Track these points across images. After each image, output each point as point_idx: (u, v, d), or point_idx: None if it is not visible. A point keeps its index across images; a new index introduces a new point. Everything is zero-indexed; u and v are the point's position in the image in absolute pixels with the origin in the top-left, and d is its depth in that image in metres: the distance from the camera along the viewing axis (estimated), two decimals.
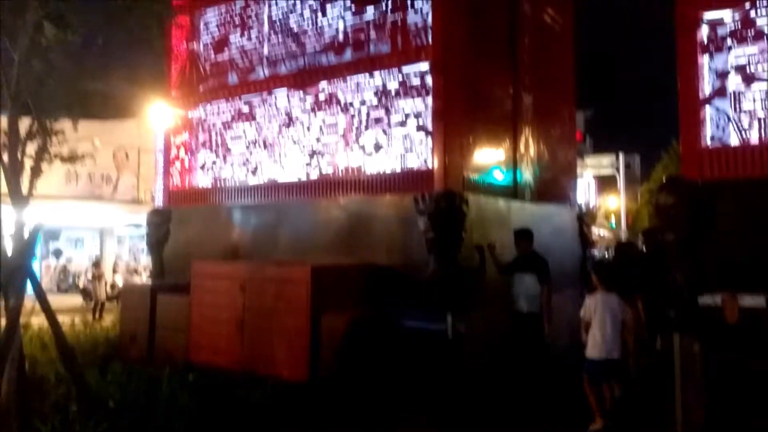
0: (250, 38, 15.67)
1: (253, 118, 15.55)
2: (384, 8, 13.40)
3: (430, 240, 11.94)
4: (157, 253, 15.94)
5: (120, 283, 27.57)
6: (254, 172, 15.53)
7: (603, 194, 54.07)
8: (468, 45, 13.24)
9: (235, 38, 15.99)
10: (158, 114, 18.21)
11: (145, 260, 36.15)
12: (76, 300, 27.89)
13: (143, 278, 32.88)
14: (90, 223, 37.59)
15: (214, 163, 16.35)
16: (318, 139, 14.43)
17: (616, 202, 51.51)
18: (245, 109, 15.67)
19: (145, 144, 33.70)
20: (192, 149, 16.85)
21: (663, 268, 9.46)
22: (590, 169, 46.71)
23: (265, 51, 15.37)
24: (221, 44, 16.24)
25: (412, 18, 13.05)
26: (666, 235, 10.06)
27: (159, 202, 23.04)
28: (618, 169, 42.35)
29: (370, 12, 13.59)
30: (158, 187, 24.38)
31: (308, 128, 14.56)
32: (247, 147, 15.68)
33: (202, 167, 16.61)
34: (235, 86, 15.88)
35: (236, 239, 15.00)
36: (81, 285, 31.54)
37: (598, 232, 53.06)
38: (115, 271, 32.16)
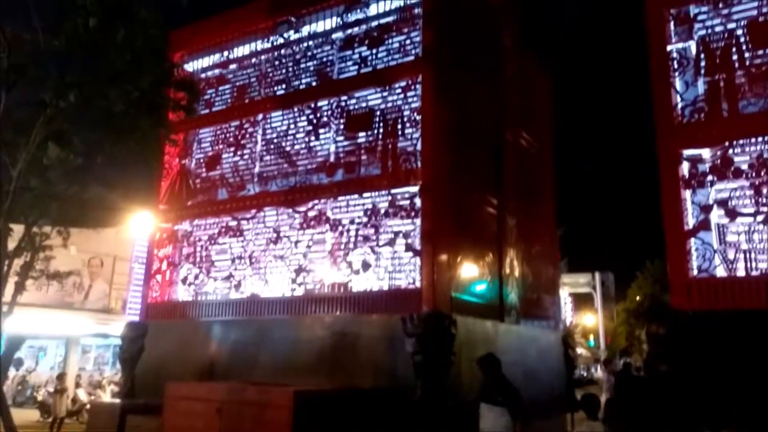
0: (242, 156, 16.08)
1: (240, 234, 15.59)
2: (375, 134, 13.96)
3: (419, 363, 11.66)
4: (129, 368, 15.23)
5: (83, 397, 26.04)
6: (237, 287, 15.33)
7: (579, 312, 54.16)
8: (455, 169, 13.70)
9: (227, 156, 16.39)
10: (142, 225, 18.13)
11: (110, 373, 34.48)
12: (33, 415, 26.14)
13: (107, 393, 31.16)
14: (56, 332, 36.11)
15: (196, 277, 16.13)
16: (305, 256, 14.43)
17: (592, 320, 51.49)
18: (233, 224, 15.74)
19: (122, 252, 33.26)
20: (175, 263, 16.66)
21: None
22: (567, 287, 47.12)
23: (257, 169, 15.73)
24: (213, 161, 16.60)
25: (402, 143, 13.58)
26: (660, 366, 10.05)
27: (132, 312, 22.43)
28: (594, 288, 42.80)
29: (362, 137, 14.13)
30: (132, 297, 23.86)
31: (296, 244, 14.61)
32: (232, 262, 15.59)
33: (184, 281, 16.36)
34: (224, 202, 16.05)
35: (214, 357, 14.46)
36: (39, 398, 29.70)
37: (578, 350, 52.60)
38: (78, 384, 30.49)
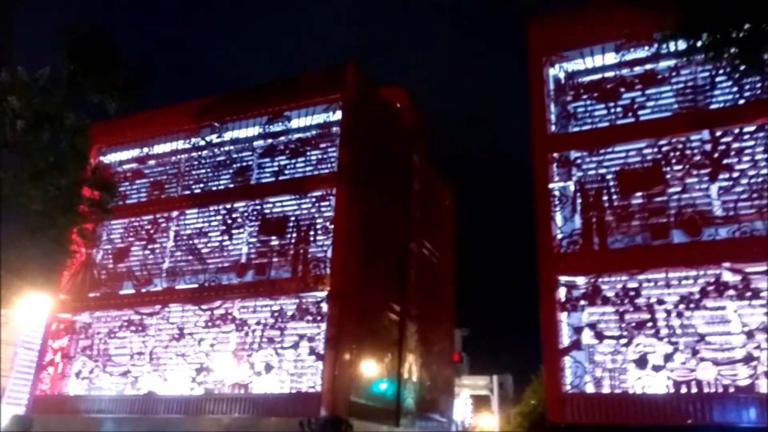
0: (152, 251, 16.19)
1: (143, 329, 15.43)
2: (288, 239, 14.66)
3: None
4: None
5: None
6: (134, 383, 14.98)
7: (479, 413, 54.79)
8: (362, 277, 14.53)
9: (137, 249, 16.42)
10: (33, 310, 17.41)
11: None
12: None
13: None
14: None
15: (91, 371, 15.60)
16: (207, 354, 14.46)
17: (491, 422, 52.11)
18: (135, 318, 15.57)
19: (7, 336, 31.00)
20: (69, 355, 16.07)
21: None
22: (467, 389, 47.90)
23: (166, 264, 15.87)
24: (121, 254, 16.56)
25: (313, 250, 14.33)
26: None
27: (12, 401, 20.88)
28: (492, 391, 43.82)
29: (275, 240, 14.77)
30: (14, 385, 22.25)
31: (199, 343, 14.64)
32: (131, 357, 15.29)
33: (78, 374, 15.75)
34: (128, 296, 15.91)
35: None
36: None
37: None
38: None
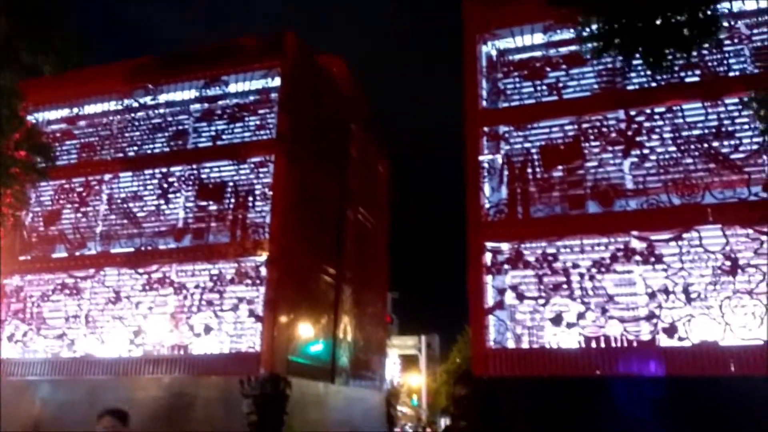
0: (85, 214, 15.97)
1: (77, 292, 15.33)
2: (226, 204, 14.87)
3: (253, 422, 12.40)
4: None
5: None
6: (70, 345, 14.96)
7: (407, 372, 56.86)
8: (299, 242, 15.00)
9: (68, 213, 16.15)
10: None
11: None
12: None
13: None
14: None
15: (25, 334, 15.42)
16: (145, 317, 14.61)
17: (418, 381, 54.23)
18: (69, 282, 15.44)
19: None
20: (0, 318, 15.77)
21: None
22: (396, 349, 49.62)
23: (100, 228, 15.73)
24: (52, 216, 16.24)
25: (251, 215, 14.62)
26: (459, 423, 11.88)
27: None
28: (420, 350, 45.72)
29: (213, 206, 14.95)
30: None
31: (137, 306, 14.75)
32: (66, 320, 15.21)
33: (10, 338, 15.53)
34: (61, 259, 15.71)
35: (40, 417, 13.90)
36: None
37: (402, 409, 54.86)
38: None
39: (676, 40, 5.58)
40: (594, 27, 5.93)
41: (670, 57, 5.95)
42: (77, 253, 15.67)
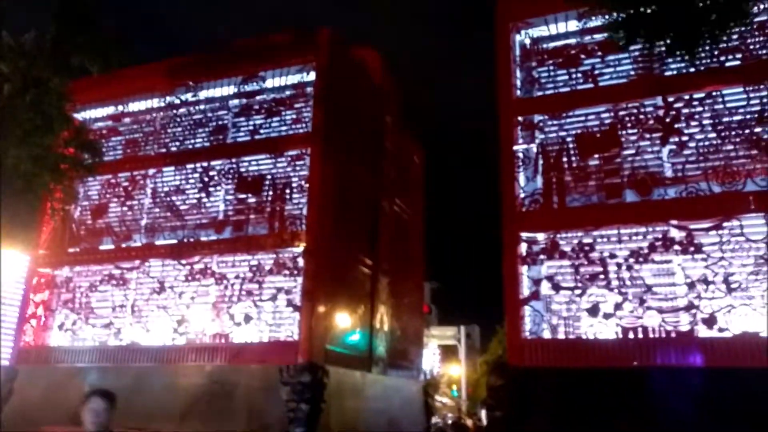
0: (130, 208, 16.58)
1: (124, 283, 15.96)
2: (264, 196, 15.22)
3: (292, 409, 12.74)
4: None
5: None
6: (117, 334, 15.60)
7: (447, 363, 56.92)
8: (336, 233, 15.23)
9: (114, 206, 16.79)
10: (10, 265, 17.78)
11: None
12: None
13: None
14: None
15: (74, 323, 16.15)
16: (188, 307, 15.10)
17: (458, 371, 54.22)
18: (116, 273, 16.08)
19: None
20: (51, 308, 16.56)
21: None
22: (435, 339, 49.70)
23: (145, 221, 16.31)
24: (100, 210, 16.91)
25: (289, 207, 14.93)
26: (494, 413, 11.97)
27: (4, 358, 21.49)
28: (459, 340, 45.71)
29: (251, 198, 15.32)
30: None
31: (180, 296, 15.26)
32: (113, 310, 15.86)
33: (60, 327, 16.29)
34: (108, 251, 16.35)
35: None
36: None
37: (441, 399, 55.01)
38: None
39: (704, 26, 5.50)
40: (619, 15, 5.89)
41: (701, 44, 5.86)
42: (123, 245, 16.29)
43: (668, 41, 5.77)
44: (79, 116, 17.63)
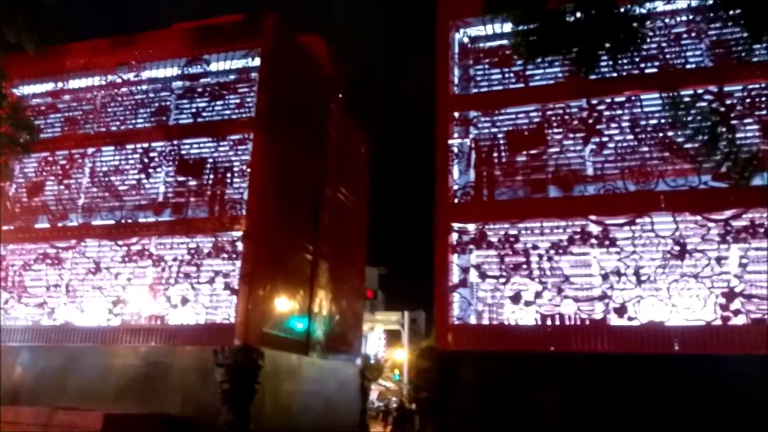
0: (67, 187, 16.40)
1: (59, 262, 15.83)
2: (205, 180, 15.34)
3: (226, 391, 13.00)
4: None
5: None
6: (50, 314, 15.50)
7: (391, 348, 57.85)
8: (277, 218, 15.50)
9: (51, 185, 16.57)
10: None
11: None
12: None
13: None
14: None
15: (6, 302, 15.94)
16: (124, 288, 15.14)
17: (402, 356, 55.12)
18: (51, 252, 15.93)
19: None
20: None
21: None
22: (380, 324, 50.47)
23: (82, 201, 16.18)
24: (35, 188, 16.65)
25: (229, 192, 15.10)
26: (421, 394, 12.58)
27: None
28: (402, 326, 46.51)
29: (192, 181, 15.41)
30: None
31: (116, 276, 15.27)
32: (47, 289, 15.73)
33: None
34: (43, 230, 16.16)
35: (20, 382, 14.50)
36: None
37: (384, 384, 55.95)
38: None
39: (599, 49, 6.06)
40: (523, 31, 6.39)
41: (598, 63, 6.43)
42: (59, 225, 16.13)
43: (573, 57, 6.31)
44: (17, 92, 17.29)
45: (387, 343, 59.91)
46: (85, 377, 14.09)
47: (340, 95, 20.05)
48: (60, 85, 17.47)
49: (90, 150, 16.55)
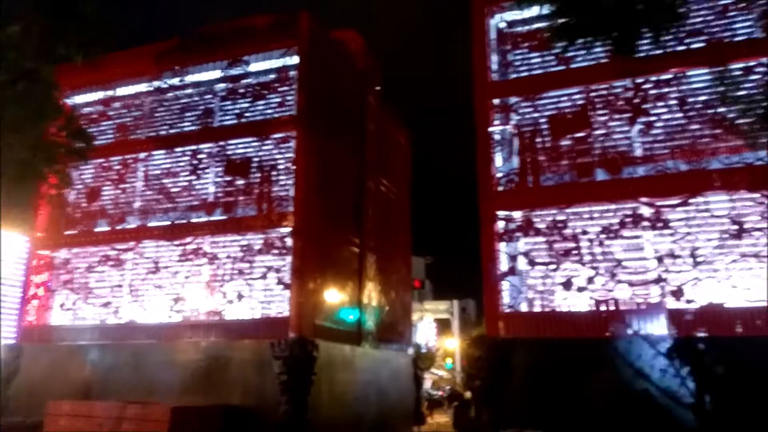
0: (123, 191, 17.09)
1: (120, 264, 16.54)
2: (252, 179, 15.72)
3: (284, 382, 13.40)
4: (3, 389, 15.60)
5: None
6: (115, 313, 16.23)
7: (442, 336, 57.98)
8: (323, 213, 15.77)
9: (107, 190, 17.29)
10: (7, 246, 18.40)
11: None
12: None
13: None
14: None
15: (74, 303, 16.78)
16: (183, 286, 15.71)
17: (453, 344, 55.21)
18: (112, 254, 16.64)
19: None
20: (51, 288, 17.17)
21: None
22: (430, 313, 50.67)
23: (137, 204, 16.83)
24: (93, 194, 17.41)
25: (276, 189, 15.45)
26: (474, 382, 12.69)
27: (6, 337, 22.22)
28: (452, 314, 46.62)
29: (240, 181, 15.82)
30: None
31: (174, 275, 15.85)
32: (111, 289, 16.47)
33: (61, 306, 16.92)
34: (103, 233, 16.89)
35: (90, 378, 15.23)
36: None
37: (437, 372, 56.16)
38: None
39: (638, 31, 5.97)
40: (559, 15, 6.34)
41: (638, 45, 6.34)
42: (118, 227, 16.82)
43: (610, 41, 6.24)
44: (70, 101, 18.03)
45: (437, 332, 60.00)
46: (151, 372, 14.68)
47: (377, 88, 20.13)
48: (109, 93, 18.12)
49: (142, 155, 17.14)
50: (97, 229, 17.16)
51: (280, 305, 14.78)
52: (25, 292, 17.29)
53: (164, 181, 16.68)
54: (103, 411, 12.44)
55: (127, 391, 14.39)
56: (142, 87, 17.73)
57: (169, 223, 16.20)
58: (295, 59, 15.96)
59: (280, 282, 14.86)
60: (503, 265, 13.33)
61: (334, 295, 16.14)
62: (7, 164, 10.05)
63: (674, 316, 11.83)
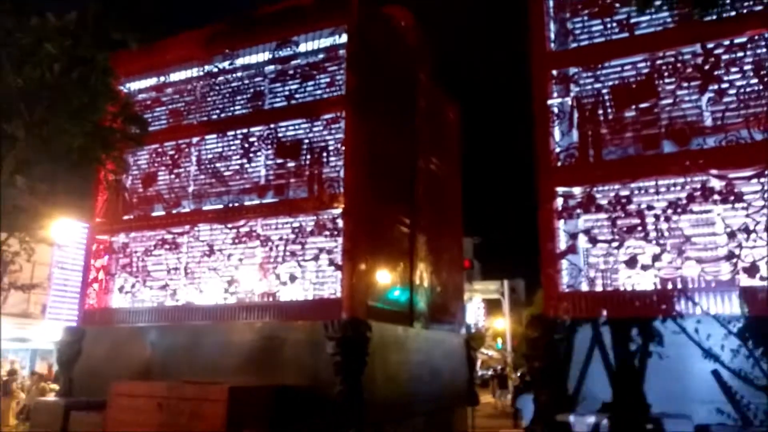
0: (178, 176, 17.29)
1: (176, 247, 16.80)
2: (303, 160, 15.63)
3: (338, 363, 13.38)
4: (67, 370, 16.19)
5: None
6: (173, 295, 16.52)
7: (491, 316, 57.56)
8: (373, 194, 15.58)
9: (163, 175, 17.53)
10: (64, 232, 18.93)
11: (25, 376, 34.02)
12: None
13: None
14: None
15: (133, 286, 17.17)
16: (237, 268, 15.84)
17: (503, 324, 54.74)
18: (168, 238, 16.91)
19: (41, 257, 33.01)
20: (111, 272, 17.61)
21: None
22: (479, 294, 50.28)
23: (192, 188, 17.02)
24: (149, 179, 17.70)
25: (326, 170, 15.32)
26: (533, 363, 12.35)
27: (53, 316, 23.00)
28: (503, 294, 46.08)
29: (290, 163, 15.76)
30: (53, 301, 24.29)
31: (228, 258, 16.00)
32: (168, 272, 16.76)
33: (120, 289, 17.35)
34: (159, 218, 17.17)
35: (150, 359, 15.62)
36: None
37: (487, 352, 55.89)
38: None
39: None
40: None
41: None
42: (173, 212, 17.05)
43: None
44: (124, 88, 18.29)
45: (486, 312, 59.62)
46: (208, 353, 14.92)
47: (428, 64, 19.68)
48: (162, 78, 18.29)
49: (195, 139, 17.27)
50: (153, 214, 17.43)
51: (333, 286, 14.72)
52: (85, 277, 17.80)
53: (217, 165, 16.77)
54: (163, 390, 12.69)
55: (185, 371, 14.66)
56: (194, 71, 17.80)
57: (222, 206, 16.31)
58: (344, 38, 15.70)
59: (332, 263, 14.79)
60: (562, 244, 12.85)
61: (385, 276, 16.00)
62: (66, 151, 10.21)
63: (747, 294, 11.18)
